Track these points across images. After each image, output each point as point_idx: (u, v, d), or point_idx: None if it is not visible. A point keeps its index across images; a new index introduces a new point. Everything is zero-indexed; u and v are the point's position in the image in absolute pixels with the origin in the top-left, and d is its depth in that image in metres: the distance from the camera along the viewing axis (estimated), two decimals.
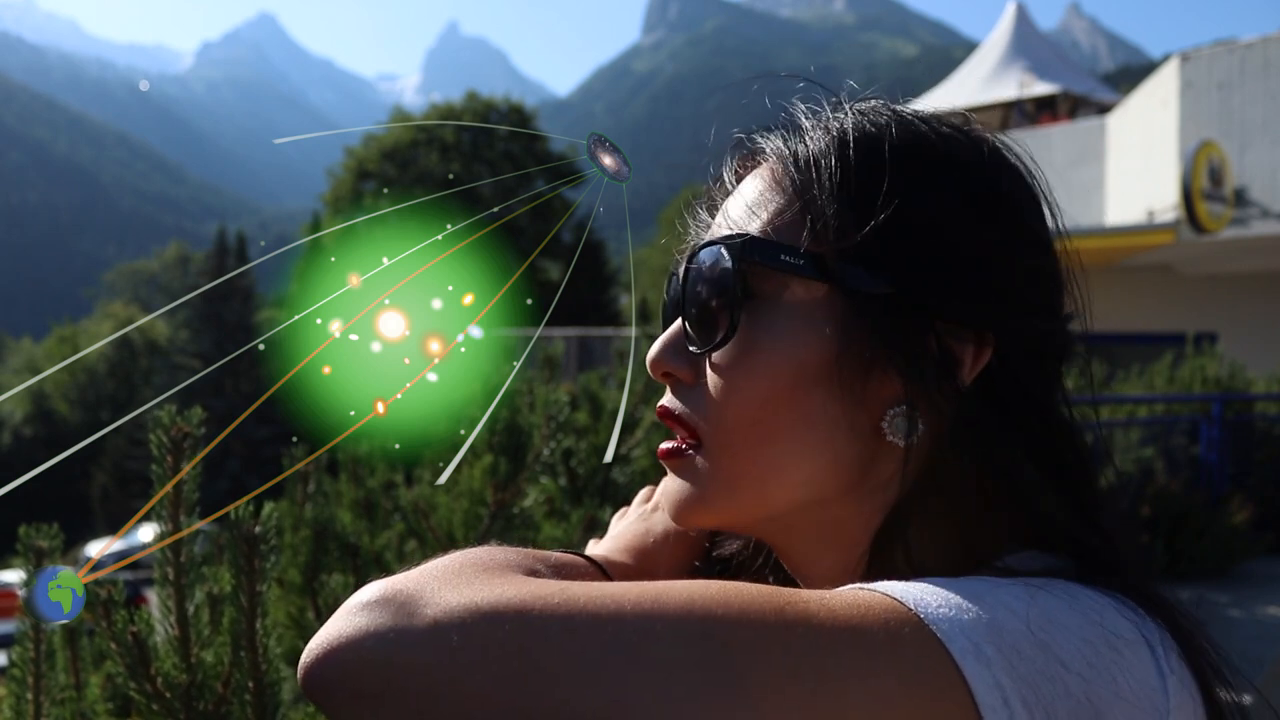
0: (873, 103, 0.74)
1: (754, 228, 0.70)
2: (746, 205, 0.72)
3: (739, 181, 0.76)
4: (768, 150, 0.74)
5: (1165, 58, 14.13)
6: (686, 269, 0.72)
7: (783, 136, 0.74)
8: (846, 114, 0.73)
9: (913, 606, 0.54)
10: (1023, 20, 22.37)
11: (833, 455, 0.67)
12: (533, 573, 0.61)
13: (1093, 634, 0.56)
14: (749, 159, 0.77)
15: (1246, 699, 0.68)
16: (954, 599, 0.55)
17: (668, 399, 0.73)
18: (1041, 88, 20.01)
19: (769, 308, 0.68)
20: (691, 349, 0.71)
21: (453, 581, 0.54)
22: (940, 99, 19.77)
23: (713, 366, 0.69)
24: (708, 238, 0.73)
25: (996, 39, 22.50)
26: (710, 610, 0.51)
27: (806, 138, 0.72)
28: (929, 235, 0.67)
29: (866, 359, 0.66)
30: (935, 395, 0.66)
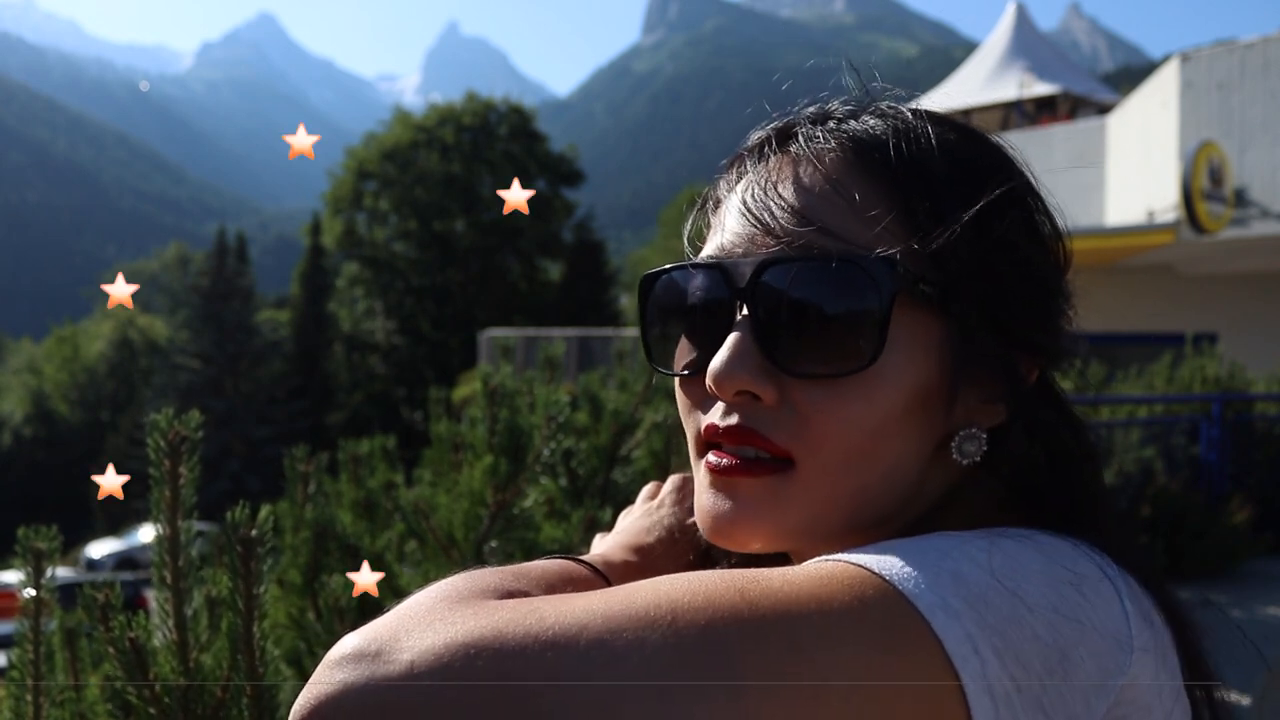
0: (914, 106, 0.71)
1: (862, 238, 0.63)
2: (839, 207, 0.65)
3: (780, 173, 0.68)
4: (844, 140, 0.67)
5: (1165, 58, 14.12)
6: (760, 279, 0.64)
7: (866, 126, 0.67)
8: (916, 117, 0.69)
9: (876, 569, 0.54)
10: (1023, 20, 22.35)
11: (909, 479, 0.67)
12: (511, 594, 0.60)
13: (1056, 574, 0.57)
14: (789, 146, 0.70)
15: (1225, 693, 0.68)
16: (917, 557, 0.55)
17: (742, 418, 0.65)
18: (1041, 88, 19.99)
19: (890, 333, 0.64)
20: (783, 368, 0.64)
21: (426, 621, 0.53)
22: (940, 99, 19.73)
23: (818, 389, 0.64)
24: (791, 241, 0.64)
25: (996, 39, 22.47)
26: (676, 602, 0.51)
27: (902, 135, 0.66)
28: (1012, 257, 0.67)
29: (958, 383, 0.66)
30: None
